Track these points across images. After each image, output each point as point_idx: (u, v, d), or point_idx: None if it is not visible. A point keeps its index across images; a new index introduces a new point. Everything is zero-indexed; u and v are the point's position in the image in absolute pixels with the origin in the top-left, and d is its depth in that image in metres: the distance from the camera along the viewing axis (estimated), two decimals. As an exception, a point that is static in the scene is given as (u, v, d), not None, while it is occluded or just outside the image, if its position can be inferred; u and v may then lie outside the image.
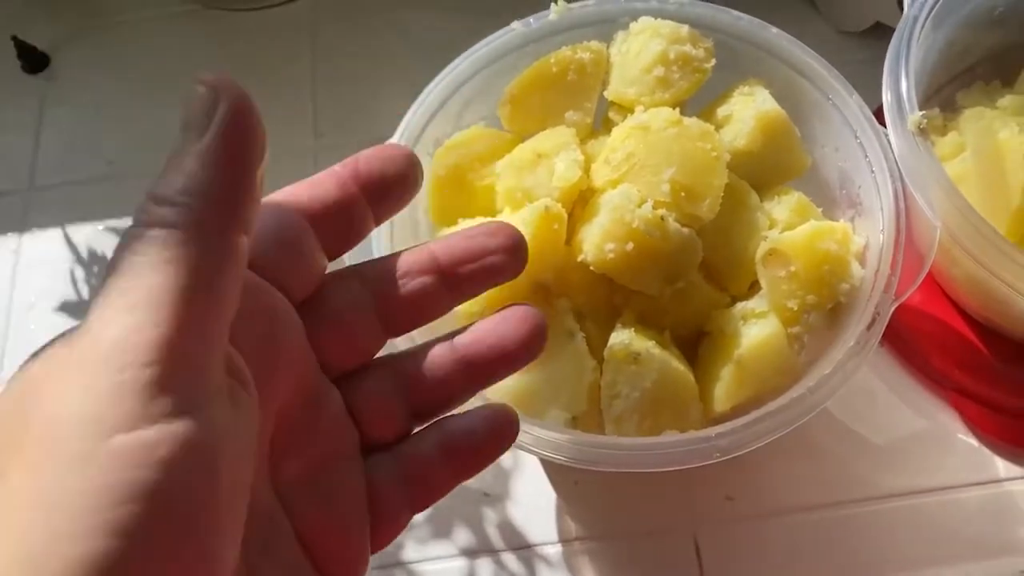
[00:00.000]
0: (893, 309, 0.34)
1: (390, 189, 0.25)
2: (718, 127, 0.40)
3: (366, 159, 0.25)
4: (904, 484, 0.42)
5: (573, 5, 0.42)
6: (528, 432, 0.33)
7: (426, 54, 0.47)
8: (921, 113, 0.36)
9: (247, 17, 0.60)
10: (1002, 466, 0.41)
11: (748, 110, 0.39)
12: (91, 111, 0.58)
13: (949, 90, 0.46)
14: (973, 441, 0.42)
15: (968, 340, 0.43)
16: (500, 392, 0.36)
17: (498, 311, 0.26)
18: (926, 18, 0.40)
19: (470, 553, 0.42)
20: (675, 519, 0.42)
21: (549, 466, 0.44)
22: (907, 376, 0.44)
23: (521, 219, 0.36)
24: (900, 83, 0.38)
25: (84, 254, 0.52)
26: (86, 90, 0.58)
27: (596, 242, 0.36)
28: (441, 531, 0.43)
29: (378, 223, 0.26)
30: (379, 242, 0.38)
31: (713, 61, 0.41)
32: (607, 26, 0.42)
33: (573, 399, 0.36)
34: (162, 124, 0.57)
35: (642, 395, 0.35)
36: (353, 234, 0.25)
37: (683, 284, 0.38)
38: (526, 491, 0.43)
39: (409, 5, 0.59)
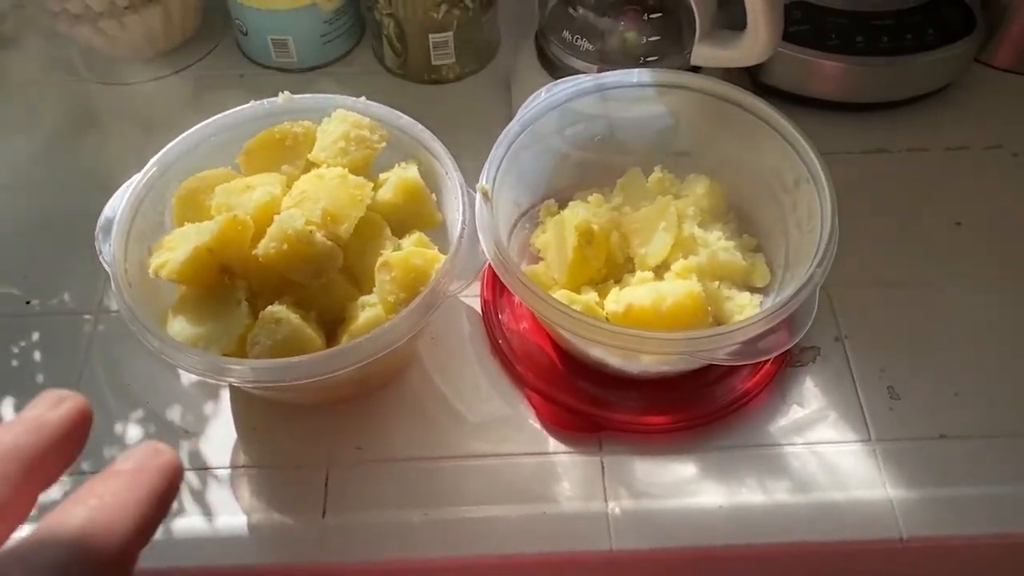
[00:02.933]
0: (441, 302, 0.52)
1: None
2: (378, 186, 0.59)
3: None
4: (484, 449, 0.58)
5: (295, 96, 0.61)
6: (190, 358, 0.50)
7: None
8: (486, 184, 0.55)
9: (108, 89, 0.80)
10: (552, 443, 0.58)
11: (396, 176, 0.59)
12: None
13: (572, 190, 0.66)
14: (537, 425, 0.59)
15: (548, 355, 0.61)
16: (177, 333, 0.52)
17: None
18: (519, 132, 0.59)
19: (164, 469, 0.57)
20: (316, 459, 0.57)
21: (236, 411, 0.59)
22: (505, 377, 0.61)
23: (216, 220, 0.54)
24: (486, 167, 0.57)
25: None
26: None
27: (264, 242, 0.53)
28: (147, 452, 0.58)
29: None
30: (118, 228, 0.55)
31: (384, 143, 0.60)
32: (319, 113, 0.61)
33: (228, 343, 0.52)
34: (26, 158, 0.75)
35: (274, 344, 0.52)
36: None
37: (326, 280, 0.55)
38: (216, 431, 0.59)
39: (230, 88, 0.79)
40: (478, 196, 0.56)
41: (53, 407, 0.25)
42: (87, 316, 0.64)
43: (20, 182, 0.73)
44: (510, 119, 0.73)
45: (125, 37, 0.78)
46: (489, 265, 0.54)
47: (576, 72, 0.68)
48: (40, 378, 0.61)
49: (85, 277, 0.66)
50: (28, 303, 0.65)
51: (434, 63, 0.77)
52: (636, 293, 0.56)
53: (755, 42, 0.64)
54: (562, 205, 0.65)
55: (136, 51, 0.80)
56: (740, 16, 0.64)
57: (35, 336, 0.63)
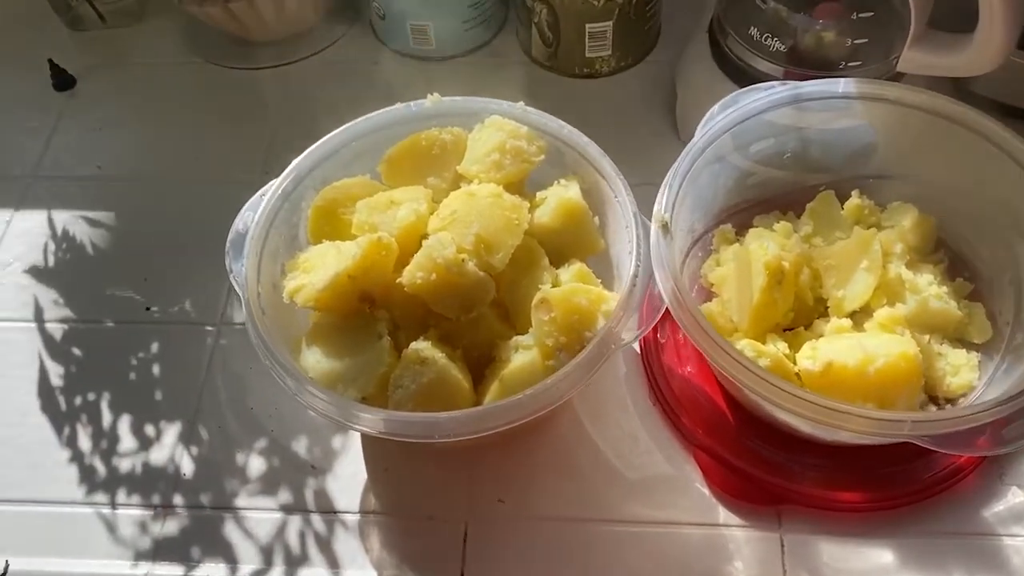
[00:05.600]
0: (611, 354, 0.45)
1: None
2: (535, 206, 0.52)
3: None
4: (643, 514, 0.50)
5: (444, 98, 0.54)
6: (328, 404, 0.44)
7: None
8: (666, 215, 0.47)
9: (236, 73, 0.74)
10: (723, 514, 0.50)
11: (555, 196, 0.51)
12: (96, 126, 0.72)
13: (750, 213, 0.57)
14: (705, 490, 0.51)
15: (718, 408, 0.53)
16: (312, 366, 0.46)
17: None
18: (704, 148, 0.51)
19: (287, 509, 0.52)
20: (453, 510, 0.51)
21: (367, 451, 0.54)
22: (667, 430, 0.53)
23: (358, 243, 0.48)
24: (664, 191, 0.49)
25: (59, 233, 0.65)
26: (96, 110, 0.73)
27: (410, 270, 0.47)
28: (269, 489, 0.53)
29: None
30: (251, 245, 0.49)
31: (543, 156, 0.53)
32: (470, 117, 0.54)
33: (366, 383, 0.46)
34: (147, 145, 0.71)
35: (419, 388, 0.45)
36: None
37: (476, 315, 0.49)
38: (345, 470, 0.53)
39: (362, 77, 0.73)
40: (654, 227, 0.48)
41: None
42: (209, 327, 0.60)
43: (138, 173, 0.69)
44: (671, 121, 0.64)
45: (254, 18, 0.72)
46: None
47: (759, 75, 0.59)
48: (158, 395, 0.57)
49: (208, 282, 0.61)
50: (148, 309, 0.61)
51: (588, 55, 0.69)
52: (836, 348, 0.47)
53: (986, 47, 0.53)
54: (739, 231, 0.56)
55: (266, 33, 0.74)
56: (956, 17, 0.53)
57: (154, 347, 0.59)
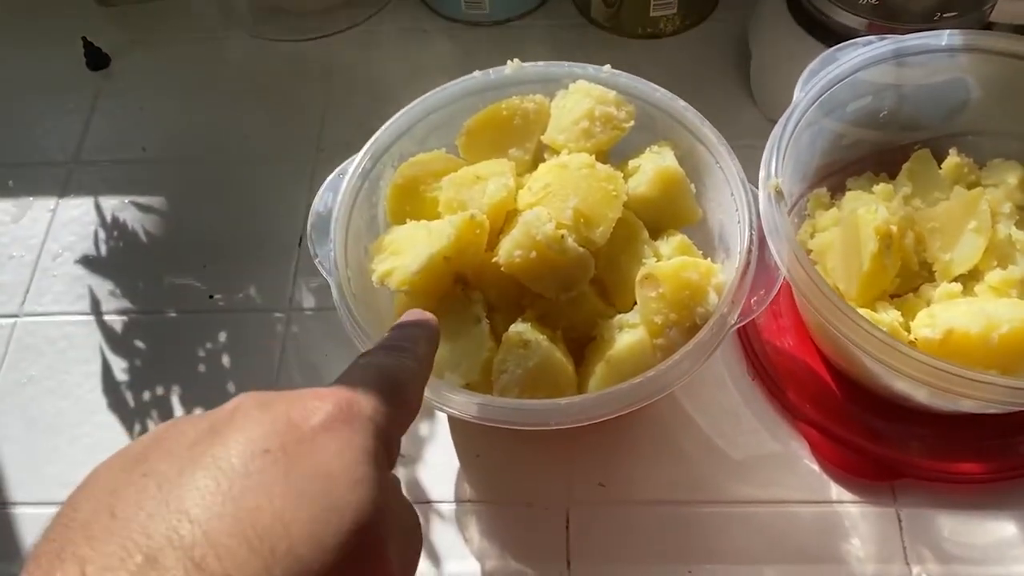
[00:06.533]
0: (729, 331, 0.42)
1: None
2: (628, 176, 0.49)
3: None
4: (751, 494, 0.49)
5: (525, 64, 0.51)
6: (438, 392, 0.41)
7: (424, 91, 0.52)
8: (778, 179, 0.45)
9: (279, 46, 0.71)
10: (835, 490, 0.48)
11: (652, 164, 0.48)
12: (136, 106, 0.68)
13: (842, 176, 0.55)
14: (815, 466, 0.49)
15: (823, 381, 0.51)
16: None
17: None
18: (806, 108, 0.48)
19: (379, 501, 0.50)
20: (553, 496, 0.49)
21: (457, 437, 0.51)
22: (769, 406, 0.51)
23: (451, 222, 0.45)
24: (772, 154, 0.46)
25: (108, 220, 0.62)
26: (135, 89, 0.69)
27: (507, 248, 0.45)
28: (359, 480, 0.50)
29: None
30: (337, 227, 0.47)
31: (632, 122, 0.50)
32: (551, 84, 0.51)
33: (470, 369, 0.44)
34: (192, 124, 0.67)
35: (524, 373, 0.43)
36: None
37: (576, 294, 0.46)
38: (435, 458, 0.51)
39: (412, 46, 0.70)
40: (763, 194, 0.45)
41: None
42: (278, 314, 0.57)
43: (185, 154, 0.66)
44: (742, 81, 0.62)
45: (295, -14, 0.69)
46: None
47: (844, 30, 0.56)
48: (231, 387, 0.55)
49: (271, 266, 0.59)
50: (211, 297, 0.58)
51: (653, 14, 0.66)
52: (955, 314, 0.45)
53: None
54: (833, 194, 0.54)
55: (308, 2, 0.71)
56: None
57: (222, 337, 0.56)
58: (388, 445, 0.28)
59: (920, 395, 0.46)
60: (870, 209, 0.48)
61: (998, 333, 0.44)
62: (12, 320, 0.58)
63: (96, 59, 0.70)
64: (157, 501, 0.23)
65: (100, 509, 0.23)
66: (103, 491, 0.24)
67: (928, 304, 0.48)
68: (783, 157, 0.47)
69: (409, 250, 0.46)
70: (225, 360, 0.56)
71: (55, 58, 0.71)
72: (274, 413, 0.26)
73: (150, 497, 0.23)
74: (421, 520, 0.48)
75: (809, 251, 0.52)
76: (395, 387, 0.29)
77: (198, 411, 0.54)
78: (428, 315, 0.35)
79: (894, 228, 0.48)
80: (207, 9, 0.73)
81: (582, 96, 0.49)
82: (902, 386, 0.46)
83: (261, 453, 0.24)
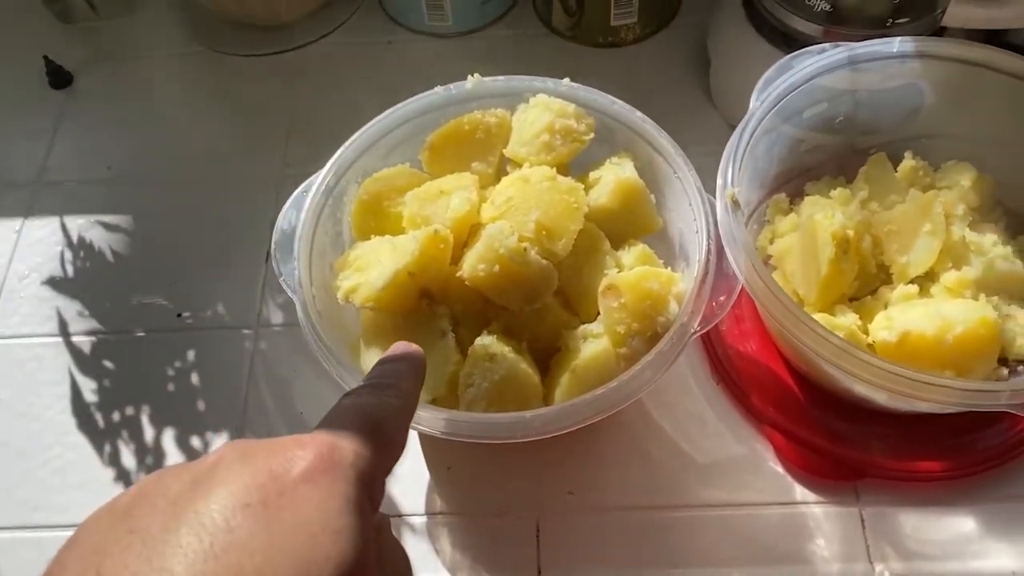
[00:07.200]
0: (690, 338, 0.43)
1: None
2: (588, 187, 0.50)
3: None
4: (717, 497, 0.49)
5: (486, 79, 0.52)
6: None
7: (391, 103, 0.52)
8: (735, 188, 0.46)
9: (243, 62, 0.71)
10: (799, 491, 0.49)
11: (612, 176, 0.49)
12: (100, 125, 0.68)
13: (801, 181, 0.56)
14: (779, 468, 0.50)
15: (785, 384, 0.52)
16: (378, 371, 0.44)
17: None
18: (763, 116, 0.49)
19: (351, 515, 0.50)
20: (523, 506, 0.50)
21: (427, 450, 0.52)
22: (734, 410, 0.52)
23: (415, 238, 0.45)
24: (728, 164, 0.47)
25: (75, 240, 0.62)
26: (99, 108, 0.69)
27: (471, 262, 0.45)
28: (330, 495, 0.51)
29: None
30: (301, 245, 0.47)
31: (592, 135, 0.50)
32: (512, 98, 0.52)
33: (436, 383, 0.44)
34: (157, 142, 0.67)
35: (491, 386, 0.44)
36: None
37: (540, 305, 0.47)
38: (406, 471, 0.51)
39: (377, 58, 0.70)
40: (720, 203, 0.46)
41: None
42: (247, 331, 0.57)
43: (151, 172, 0.66)
44: (702, 88, 0.62)
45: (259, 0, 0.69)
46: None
47: (800, 37, 0.57)
48: (201, 405, 0.55)
49: (238, 283, 0.59)
50: (179, 315, 0.58)
51: (613, 23, 0.67)
52: (911, 317, 0.46)
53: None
54: (792, 199, 0.55)
55: (271, 16, 0.71)
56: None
57: (191, 355, 0.56)
58: (371, 490, 0.28)
59: (880, 397, 0.47)
60: (827, 215, 0.49)
61: (952, 334, 0.45)
62: (-22, 343, 0.58)
63: (58, 77, 0.70)
64: (141, 560, 0.24)
65: (87, 569, 0.24)
66: (89, 550, 0.25)
67: (886, 306, 0.50)
68: (740, 166, 0.47)
69: (374, 266, 0.46)
70: (194, 378, 0.56)
71: (17, 77, 0.71)
72: (255, 466, 0.26)
73: (135, 555, 0.24)
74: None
75: (769, 257, 0.53)
76: (377, 428, 0.29)
77: (168, 431, 0.54)
78: (414, 348, 0.35)
79: (851, 233, 0.49)
80: (170, 25, 0.73)
81: (542, 110, 0.50)
82: (861, 389, 0.47)
83: (242, 507, 0.25)
